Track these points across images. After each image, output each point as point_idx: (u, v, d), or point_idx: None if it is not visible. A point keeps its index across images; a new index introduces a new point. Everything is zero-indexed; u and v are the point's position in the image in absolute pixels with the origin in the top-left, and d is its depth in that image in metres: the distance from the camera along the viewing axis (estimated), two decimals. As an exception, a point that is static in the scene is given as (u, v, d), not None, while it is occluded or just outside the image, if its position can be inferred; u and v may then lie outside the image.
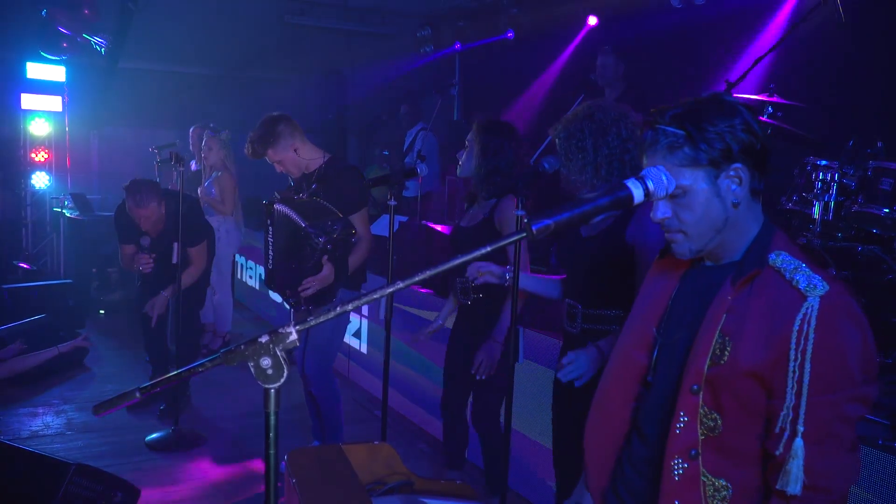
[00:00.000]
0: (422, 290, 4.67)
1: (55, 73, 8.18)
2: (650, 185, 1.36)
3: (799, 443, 1.32)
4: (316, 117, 9.57)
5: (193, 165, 6.46)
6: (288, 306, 3.54)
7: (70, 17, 7.29)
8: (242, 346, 1.18)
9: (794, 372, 1.32)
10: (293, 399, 4.96)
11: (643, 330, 1.59)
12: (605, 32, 6.64)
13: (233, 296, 6.52)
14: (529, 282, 2.64)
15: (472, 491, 2.40)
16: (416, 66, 8.96)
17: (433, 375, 4.24)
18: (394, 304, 3.42)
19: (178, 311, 4.44)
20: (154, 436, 4.30)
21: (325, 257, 3.30)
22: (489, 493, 3.33)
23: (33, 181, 8.61)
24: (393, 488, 2.33)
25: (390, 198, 3.25)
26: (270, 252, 3.40)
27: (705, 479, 1.42)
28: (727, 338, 1.39)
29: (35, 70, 8.08)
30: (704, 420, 1.42)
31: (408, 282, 1.25)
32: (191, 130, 6.68)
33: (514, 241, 1.22)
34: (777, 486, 1.35)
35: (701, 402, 1.42)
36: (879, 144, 3.65)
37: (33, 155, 8.52)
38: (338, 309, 1.20)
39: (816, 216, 3.59)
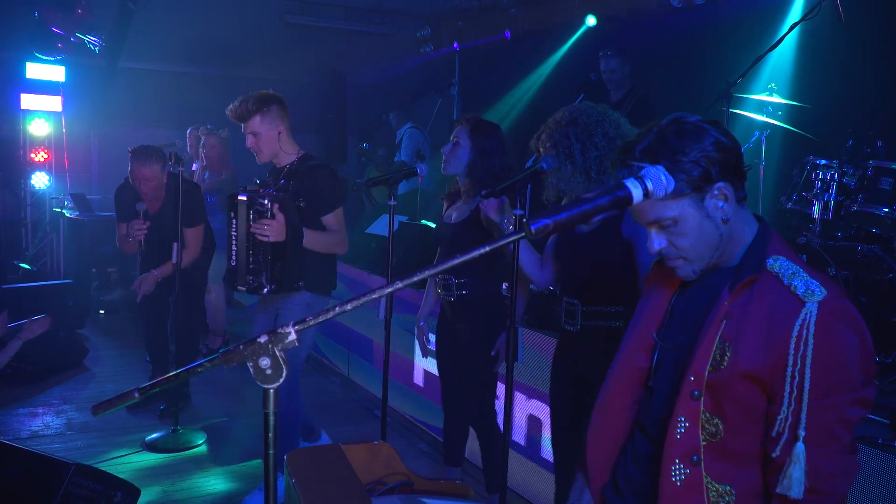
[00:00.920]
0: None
1: (55, 73, 8.17)
2: (649, 185, 1.36)
3: (801, 447, 1.32)
4: (316, 117, 9.57)
5: (194, 166, 6.46)
6: (250, 293, 3.32)
7: (63, 16, 7.28)
8: (241, 347, 1.18)
9: (792, 377, 1.33)
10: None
11: (644, 335, 1.61)
12: (604, 32, 6.64)
13: (232, 295, 6.53)
14: (525, 254, 2.65)
15: (471, 491, 2.40)
16: (415, 66, 8.96)
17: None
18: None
19: (178, 311, 4.43)
20: (154, 436, 4.30)
21: (277, 206, 3.15)
22: (488, 491, 3.33)
23: (33, 181, 8.60)
24: (393, 488, 2.33)
25: (390, 197, 3.25)
26: (234, 247, 3.28)
27: (709, 486, 1.42)
28: (727, 343, 1.40)
29: (34, 70, 8.07)
30: (706, 425, 1.43)
31: (407, 281, 1.25)
32: (188, 132, 6.67)
33: (513, 241, 1.22)
34: (777, 490, 1.35)
35: (702, 408, 1.42)
36: (879, 144, 3.65)
37: (33, 155, 8.51)
38: (336, 309, 1.20)
39: (816, 215, 3.60)
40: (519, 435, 3.67)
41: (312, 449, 2.49)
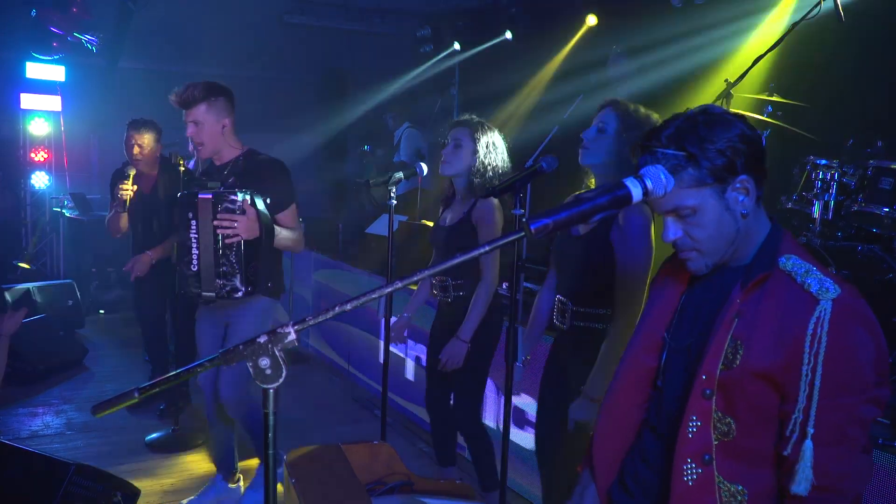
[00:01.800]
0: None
1: (54, 72, 8.17)
2: (649, 184, 1.36)
3: (808, 444, 1.31)
4: (316, 117, 9.57)
5: (191, 165, 6.45)
6: (222, 298, 3.02)
7: (60, 16, 7.28)
8: (241, 347, 1.18)
9: (807, 375, 1.32)
10: (292, 399, 4.97)
11: (653, 334, 1.59)
12: (604, 32, 6.64)
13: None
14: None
15: (471, 490, 2.40)
16: (415, 66, 8.96)
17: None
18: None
19: (177, 311, 4.43)
20: (154, 436, 4.30)
21: (248, 200, 2.96)
22: (483, 489, 3.33)
23: (33, 181, 8.61)
24: (393, 488, 2.33)
25: (389, 197, 3.25)
26: (195, 251, 3.00)
27: (721, 486, 1.41)
28: (739, 341, 1.39)
29: (34, 70, 8.07)
30: (718, 425, 1.41)
31: (406, 281, 1.25)
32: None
33: (513, 241, 1.22)
34: (791, 489, 1.34)
35: (714, 407, 1.41)
36: (879, 144, 3.65)
37: (33, 155, 8.51)
38: (336, 309, 1.20)
39: (816, 215, 3.59)
40: (517, 434, 3.66)
41: (312, 449, 2.49)
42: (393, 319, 3.42)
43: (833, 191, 3.57)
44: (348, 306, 1.21)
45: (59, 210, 8.45)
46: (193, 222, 3.00)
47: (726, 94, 4.02)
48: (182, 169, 4.15)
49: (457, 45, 8.15)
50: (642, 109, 2.42)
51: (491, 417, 3.89)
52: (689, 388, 1.45)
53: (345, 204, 9.76)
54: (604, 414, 1.68)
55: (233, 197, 2.94)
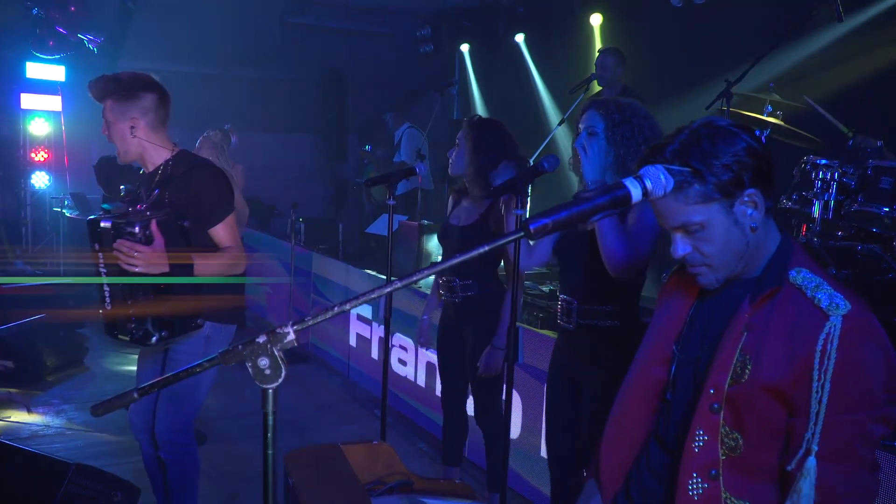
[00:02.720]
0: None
1: (55, 72, 8.18)
2: (648, 185, 1.34)
3: (812, 461, 1.30)
4: (316, 117, 9.57)
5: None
6: (137, 343, 2.58)
7: (60, 15, 7.29)
8: (240, 347, 1.18)
9: (816, 392, 1.29)
10: (291, 400, 4.98)
11: (662, 346, 1.57)
12: (605, 32, 6.65)
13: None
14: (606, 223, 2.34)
15: (471, 490, 2.40)
16: (415, 66, 8.97)
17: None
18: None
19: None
20: (154, 436, 4.29)
21: (154, 225, 2.46)
22: (489, 490, 3.33)
23: (33, 181, 8.61)
24: (393, 488, 2.33)
25: (389, 197, 3.24)
26: (106, 287, 2.52)
27: (727, 501, 1.39)
28: (748, 356, 1.37)
29: (34, 70, 8.08)
30: (725, 439, 1.40)
31: (406, 281, 1.25)
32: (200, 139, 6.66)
33: (513, 241, 1.22)
34: None
35: (722, 422, 1.39)
36: (879, 144, 3.65)
37: (33, 155, 8.52)
38: (336, 309, 1.20)
39: (816, 215, 3.59)
40: (517, 433, 3.67)
41: (312, 448, 2.49)
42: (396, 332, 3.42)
43: (833, 190, 3.57)
44: (348, 306, 1.21)
45: (59, 210, 8.45)
46: (101, 255, 2.51)
47: (726, 94, 4.02)
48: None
49: (464, 48, 8.15)
50: (622, 100, 2.39)
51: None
52: (696, 401, 1.43)
53: (345, 204, 9.77)
54: (611, 424, 1.66)
55: (130, 229, 2.43)
